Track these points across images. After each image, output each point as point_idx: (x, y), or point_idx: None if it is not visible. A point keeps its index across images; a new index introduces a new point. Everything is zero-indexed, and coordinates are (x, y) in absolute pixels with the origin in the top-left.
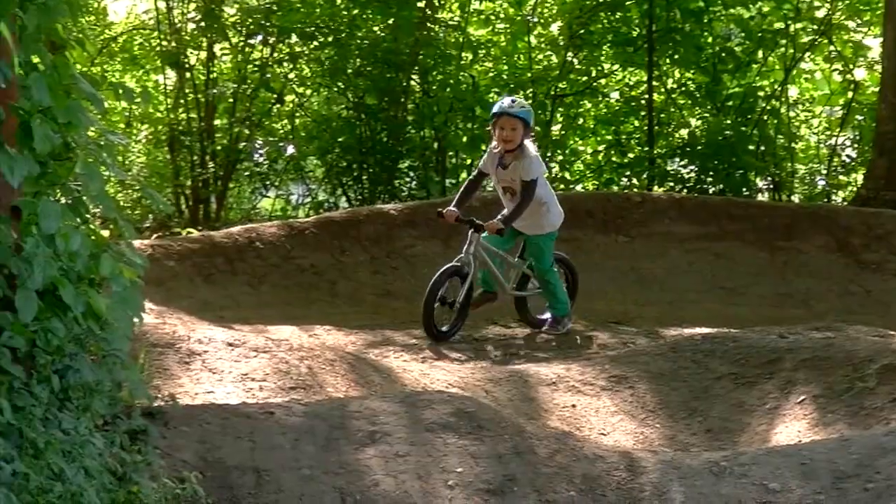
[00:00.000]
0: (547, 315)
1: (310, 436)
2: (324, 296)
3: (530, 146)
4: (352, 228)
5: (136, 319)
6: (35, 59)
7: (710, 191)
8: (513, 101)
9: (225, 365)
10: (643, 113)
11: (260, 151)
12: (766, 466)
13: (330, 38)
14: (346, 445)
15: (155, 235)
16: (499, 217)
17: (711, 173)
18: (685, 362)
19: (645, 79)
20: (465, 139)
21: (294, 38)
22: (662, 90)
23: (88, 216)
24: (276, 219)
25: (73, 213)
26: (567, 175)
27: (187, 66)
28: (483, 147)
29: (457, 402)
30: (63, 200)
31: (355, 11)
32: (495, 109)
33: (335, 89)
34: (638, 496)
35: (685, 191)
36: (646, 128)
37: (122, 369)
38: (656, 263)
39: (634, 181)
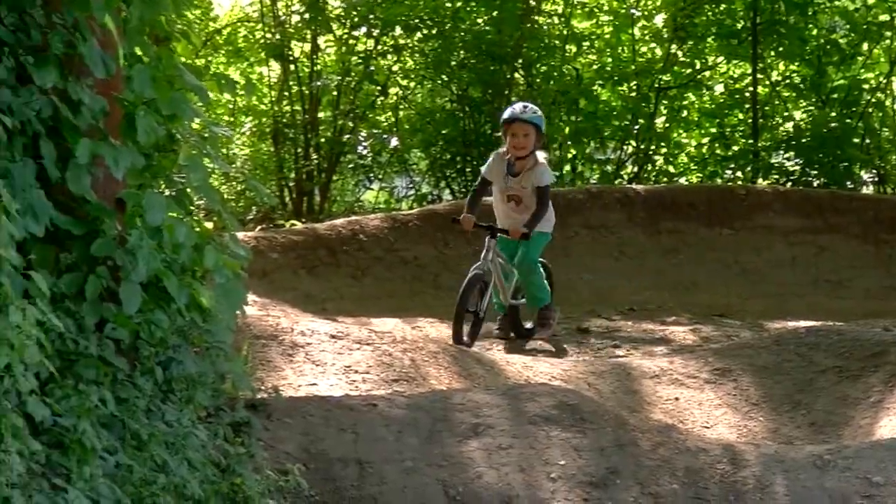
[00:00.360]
0: (530, 324)
1: (413, 428)
2: (427, 288)
3: (540, 153)
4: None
5: (239, 311)
6: (138, 52)
7: (815, 183)
8: (525, 107)
9: (328, 357)
10: (747, 105)
11: (364, 144)
12: (870, 460)
13: (434, 31)
14: (449, 438)
15: (259, 227)
16: (517, 225)
17: (816, 166)
18: (789, 355)
19: (749, 71)
20: (568, 131)
21: (398, 31)
22: (767, 82)
23: (192, 208)
24: (380, 211)
25: (177, 204)
26: (671, 168)
27: (291, 58)
28: (585, 140)
29: (560, 395)
30: (167, 192)
31: (459, 3)
32: (506, 115)
33: (439, 82)
34: (741, 489)
35: (789, 183)
36: (750, 120)
37: (226, 361)
38: (760, 256)
39: (738, 174)
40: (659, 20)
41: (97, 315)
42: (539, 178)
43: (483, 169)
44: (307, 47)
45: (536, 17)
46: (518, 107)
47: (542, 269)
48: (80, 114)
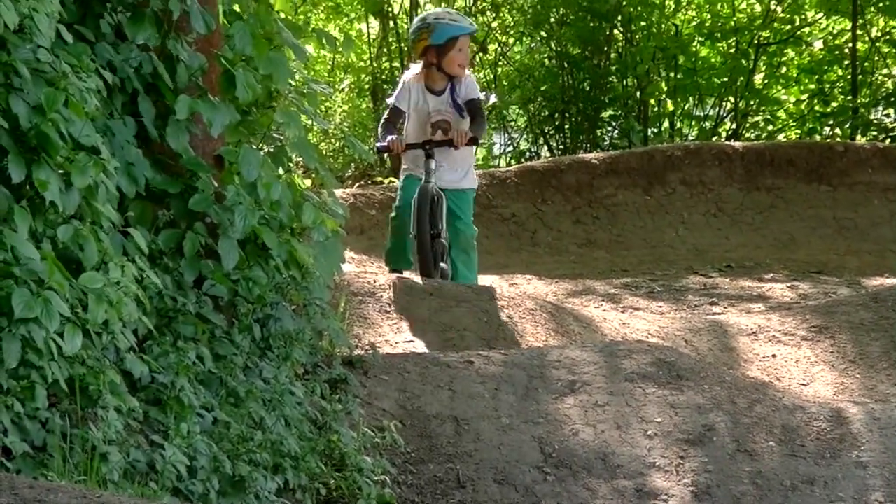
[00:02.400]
0: None
1: (509, 385)
2: (525, 245)
3: None
4: (553, 178)
5: (336, 269)
6: (237, 8)
7: None
8: (455, 15)
9: (425, 314)
10: (846, 62)
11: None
12: None
13: None
14: (546, 395)
15: (357, 184)
16: (460, 130)
17: None
18: (887, 312)
19: (849, 27)
20: (666, 87)
21: None
22: (866, 38)
23: (290, 165)
24: (478, 168)
25: (274, 162)
26: (769, 125)
27: (391, 14)
28: (684, 96)
29: (656, 352)
30: (265, 149)
31: None
32: (454, 31)
33: (538, 38)
34: (837, 447)
35: (888, 140)
36: (849, 77)
37: (323, 318)
38: (858, 213)
39: (837, 130)
40: None
41: (195, 272)
42: (471, 91)
43: (392, 100)
44: (406, 3)
45: None
46: (458, 18)
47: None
48: (178, 70)
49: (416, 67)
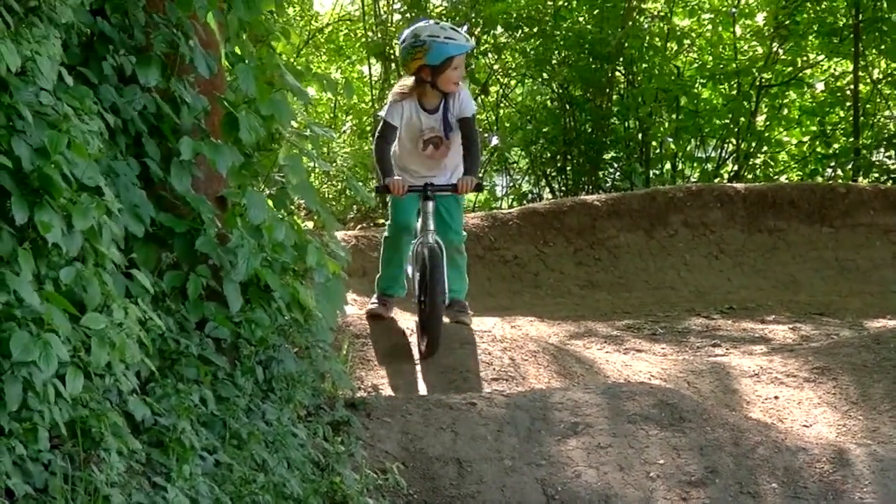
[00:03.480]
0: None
1: (512, 427)
2: (527, 287)
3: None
4: (555, 220)
5: (339, 311)
6: (238, 51)
7: None
8: (455, 31)
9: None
10: (848, 103)
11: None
12: None
13: (535, 29)
14: (548, 437)
15: (359, 226)
16: (465, 178)
17: None
18: (889, 354)
19: (850, 69)
20: (668, 129)
21: (499, 29)
22: (868, 80)
23: (292, 207)
24: (480, 210)
25: (277, 204)
26: (771, 166)
27: (392, 56)
28: (685, 137)
29: (659, 394)
30: (267, 192)
31: (561, 2)
32: (451, 51)
33: (539, 80)
34: (840, 488)
35: (890, 182)
36: (851, 118)
37: (326, 360)
38: (860, 255)
39: (839, 172)
40: (760, 18)
41: (199, 314)
42: (465, 108)
43: (388, 115)
44: None
45: (638, 16)
46: (452, 33)
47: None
48: (182, 113)
49: (407, 80)
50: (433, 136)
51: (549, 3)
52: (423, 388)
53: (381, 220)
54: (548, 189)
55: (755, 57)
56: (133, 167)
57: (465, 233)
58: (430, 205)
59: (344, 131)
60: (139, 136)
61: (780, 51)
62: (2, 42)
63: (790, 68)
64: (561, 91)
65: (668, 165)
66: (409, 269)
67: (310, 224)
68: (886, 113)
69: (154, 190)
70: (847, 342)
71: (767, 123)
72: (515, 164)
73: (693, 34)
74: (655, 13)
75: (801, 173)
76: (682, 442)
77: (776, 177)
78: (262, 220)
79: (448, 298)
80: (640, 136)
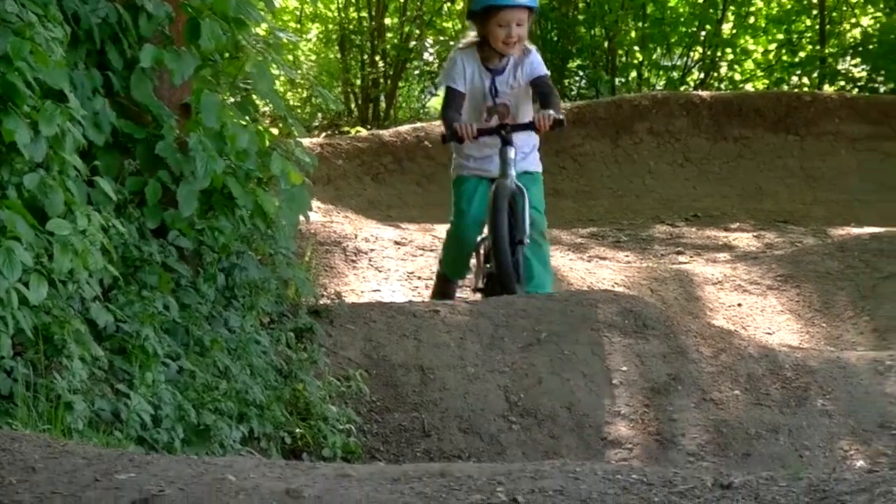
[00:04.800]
0: None
1: (475, 334)
2: None
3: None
4: None
5: (303, 218)
6: None
7: (882, 90)
8: None
9: (391, 263)
10: (815, 11)
11: (430, 51)
12: None
13: None
14: (512, 344)
15: (324, 134)
16: (542, 112)
17: (883, 72)
18: (853, 261)
19: None
20: (634, 37)
21: None
22: None
23: (258, 115)
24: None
25: (241, 111)
26: (737, 74)
27: None
28: (651, 45)
29: (623, 302)
30: (232, 99)
31: None
32: (497, 1)
33: None
34: (803, 395)
35: (856, 90)
36: (817, 26)
37: (289, 267)
38: (825, 163)
39: (805, 80)
40: None
41: (157, 219)
42: (537, 68)
43: (448, 79)
44: None
45: None
46: None
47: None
48: (143, 21)
49: (471, 36)
50: (500, 102)
51: None
52: (387, 296)
53: (347, 129)
54: None
55: None
56: (95, 77)
57: (545, 218)
58: (511, 150)
59: (310, 39)
60: (102, 45)
61: None
62: None
63: None
64: None
65: (633, 73)
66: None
67: (275, 131)
68: (853, 21)
69: (116, 99)
70: (811, 250)
71: (734, 31)
72: None
73: None
74: None
75: (766, 81)
76: (646, 349)
77: (742, 85)
78: (213, 124)
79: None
80: (606, 43)
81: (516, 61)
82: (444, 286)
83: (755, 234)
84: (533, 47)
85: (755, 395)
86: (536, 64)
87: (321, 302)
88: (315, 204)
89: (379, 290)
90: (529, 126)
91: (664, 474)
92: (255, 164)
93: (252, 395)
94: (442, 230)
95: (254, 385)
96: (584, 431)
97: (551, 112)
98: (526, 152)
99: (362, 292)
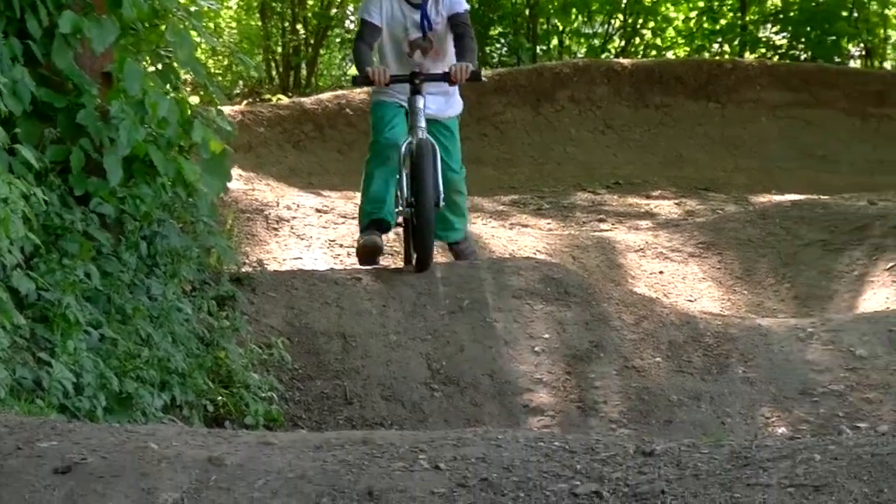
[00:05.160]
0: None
1: (397, 302)
2: None
3: None
4: None
5: (224, 186)
6: None
7: (802, 57)
8: None
9: (313, 231)
10: None
11: (351, 18)
12: (854, 333)
13: None
14: (434, 312)
15: (245, 102)
16: (458, 64)
17: (803, 40)
18: (774, 229)
19: None
20: (557, 4)
21: None
22: None
23: (178, 83)
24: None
25: (162, 79)
26: (658, 41)
27: None
28: (573, 13)
29: (545, 269)
30: (153, 67)
31: None
32: None
33: None
34: (724, 362)
35: (777, 57)
36: None
37: (210, 235)
38: (747, 130)
39: (726, 48)
40: None
41: (82, 188)
42: (456, 3)
43: (363, 10)
44: None
45: None
46: None
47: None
48: None
49: None
50: (419, 36)
51: None
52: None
53: (268, 96)
54: None
55: None
56: (14, 45)
57: (464, 168)
58: (420, 100)
59: (231, 6)
60: (22, 12)
61: None
62: None
63: None
64: None
65: (554, 41)
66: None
67: (195, 99)
68: None
69: (36, 68)
70: (732, 217)
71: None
72: None
73: None
74: None
75: (687, 49)
76: (568, 316)
77: (663, 53)
78: (136, 93)
79: (452, 239)
80: (527, 11)
81: None
82: (370, 240)
83: (676, 201)
84: None
85: (677, 362)
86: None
87: (243, 270)
88: (236, 172)
89: (301, 258)
90: (443, 77)
91: (586, 442)
92: (176, 133)
93: (174, 363)
94: None
95: (176, 353)
96: (505, 399)
97: (468, 64)
98: (443, 97)
99: (284, 260)
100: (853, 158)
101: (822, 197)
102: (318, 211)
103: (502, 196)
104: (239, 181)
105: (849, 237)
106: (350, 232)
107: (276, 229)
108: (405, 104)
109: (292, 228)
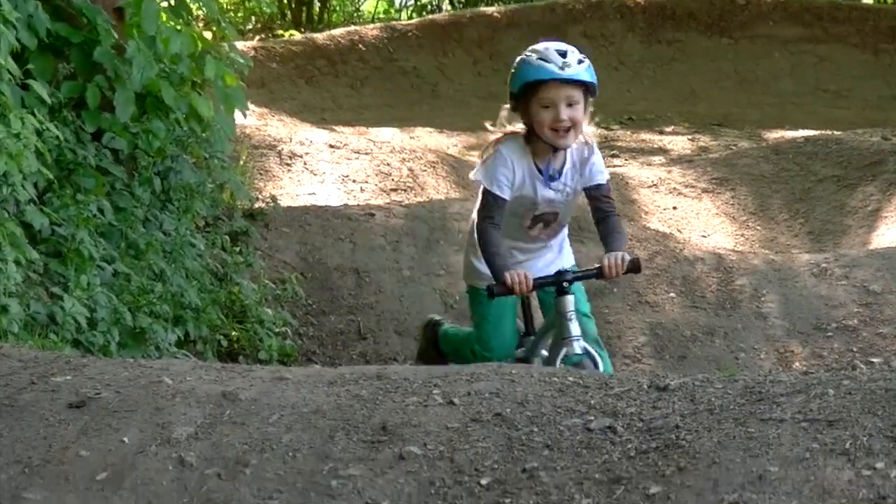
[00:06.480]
0: None
1: (410, 237)
2: (426, 98)
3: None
4: (455, 31)
5: (237, 121)
6: None
7: None
8: (562, 54)
9: (326, 167)
10: None
11: None
12: (867, 268)
13: None
14: (447, 247)
15: (257, 38)
16: (611, 255)
17: None
18: (787, 164)
19: None
20: None
21: None
22: None
23: (191, 18)
24: (379, 21)
25: (174, 14)
26: None
27: None
28: None
29: None
30: (165, 3)
31: None
32: (535, 75)
33: None
34: (737, 297)
35: None
36: None
37: (224, 171)
38: (759, 66)
39: None
40: None
41: (96, 124)
42: (595, 174)
43: (492, 180)
44: None
45: None
46: (551, 52)
47: None
48: None
49: (516, 125)
50: (548, 210)
51: None
52: (322, 199)
53: (281, 32)
54: (447, 0)
55: None
56: None
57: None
58: (570, 300)
59: None
60: None
61: None
62: None
63: None
64: None
65: None
66: None
67: (208, 35)
68: None
69: (50, 2)
70: (745, 153)
71: None
72: None
73: None
74: None
75: None
76: (582, 252)
77: None
78: (153, 31)
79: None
80: None
81: (576, 161)
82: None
83: (690, 137)
84: (594, 141)
85: (690, 297)
86: (596, 168)
87: (256, 205)
88: (250, 107)
89: (314, 194)
90: (596, 274)
91: (600, 377)
92: (188, 68)
93: (187, 298)
94: (376, 133)
95: (189, 288)
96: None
97: (622, 254)
98: (555, 253)
99: (297, 196)
100: (866, 94)
101: (835, 132)
102: (330, 146)
103: None
104: (252, 117)
105: (862, 172)
106: (363, 167)
107: (289, 165)
108: (550, 280)
109: (305, 164)
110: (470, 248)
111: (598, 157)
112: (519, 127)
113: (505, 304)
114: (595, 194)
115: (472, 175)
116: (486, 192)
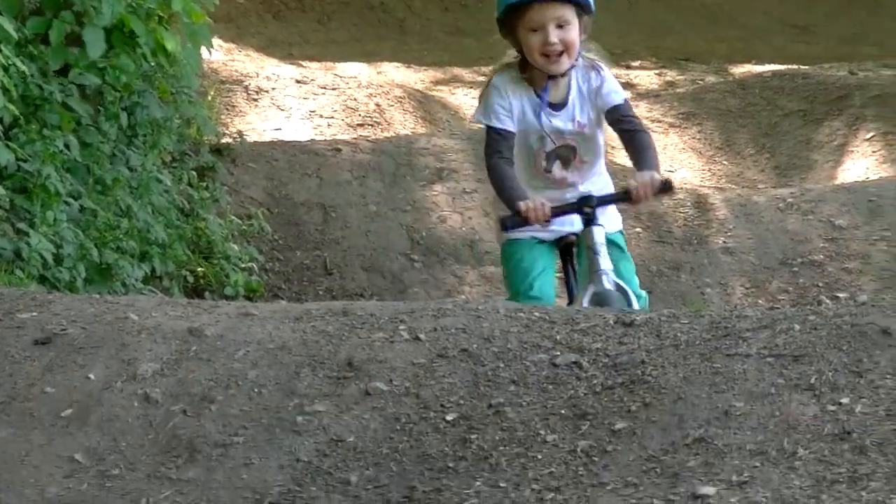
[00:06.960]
0: None
1: (377, 172)
2: (393, 33)
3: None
4: None
5: (204, 56)
6: None
7: None
8: None
9: (293, 102)
10: None
11: None
12: (833, 203)
13: None
14: (413, 182)
15: None
16: (641, 174)
17: None
18: (754, 99)
19: None
20: None
21: None
22: None
23: None
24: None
25: None
26: None
27: None
28: None
29: None
30: None
31: None
32: None
33: None
34: (704, 233)
35: None
36: None
37: (191, 106)
38: (727, 0)
39: None
40: None
41: (62, 59)
42: (610, 95)
43: (489, 114)
44: None
45: None
46: None
47: None
48: None
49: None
50: (562, 144)
51: None
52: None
53: None
54: None
55: None
56: None
57: (645, 296)
58: (599, 232)
59: None
60: None
61: None
62: None
63: None
64: None
65: None
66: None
67: None
68: None
69: None
70: (712, 87)
71: None
72: None
73: None
74: None
75: None
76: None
77: None
78: None
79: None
80: None
81: (582, 87)
82: None
83: (657, 71)
84: (602, 64)
85: (657, 232)
86: (610, 89)
87: (223, 141)
88: (216, 42)
89: (280, 129)
90: (623, 197)
91: (567, 312)
92: (155, 2)
93: (154, 233)
94: (343, 68)
95: (155, 224)
96: (485, 269)
97: (652, 173)
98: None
99: (264, 131)
100: (834, 30)
101: (802, 67)
102: (297, 82)
103: (483, 67)
104: (219, 52)
105: (829, 107)
106: (329, 103)
107: (255, 100)
108: (542, 235)
109: (272, 99)
110: (496, 204)
111: (609, 79)
112: (513, 57)
113: (539, 259)
114: (615, 117)
115: (470, 118)
116: (488, 130)
